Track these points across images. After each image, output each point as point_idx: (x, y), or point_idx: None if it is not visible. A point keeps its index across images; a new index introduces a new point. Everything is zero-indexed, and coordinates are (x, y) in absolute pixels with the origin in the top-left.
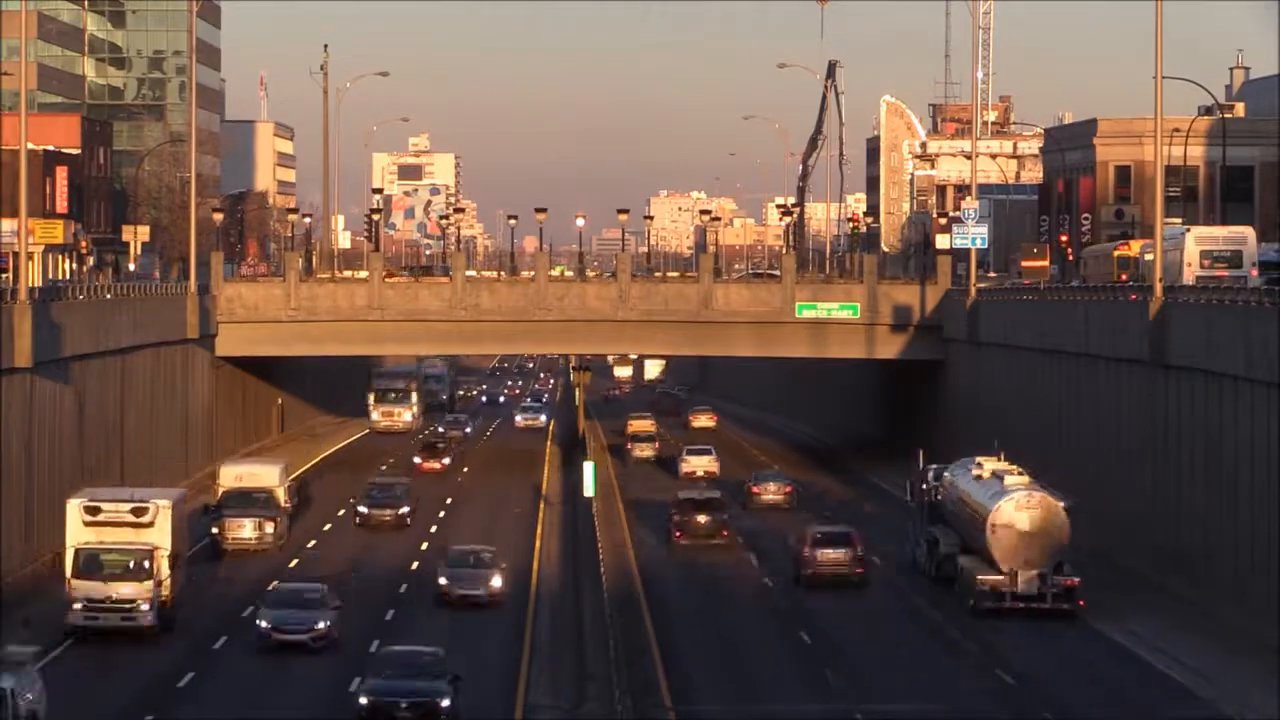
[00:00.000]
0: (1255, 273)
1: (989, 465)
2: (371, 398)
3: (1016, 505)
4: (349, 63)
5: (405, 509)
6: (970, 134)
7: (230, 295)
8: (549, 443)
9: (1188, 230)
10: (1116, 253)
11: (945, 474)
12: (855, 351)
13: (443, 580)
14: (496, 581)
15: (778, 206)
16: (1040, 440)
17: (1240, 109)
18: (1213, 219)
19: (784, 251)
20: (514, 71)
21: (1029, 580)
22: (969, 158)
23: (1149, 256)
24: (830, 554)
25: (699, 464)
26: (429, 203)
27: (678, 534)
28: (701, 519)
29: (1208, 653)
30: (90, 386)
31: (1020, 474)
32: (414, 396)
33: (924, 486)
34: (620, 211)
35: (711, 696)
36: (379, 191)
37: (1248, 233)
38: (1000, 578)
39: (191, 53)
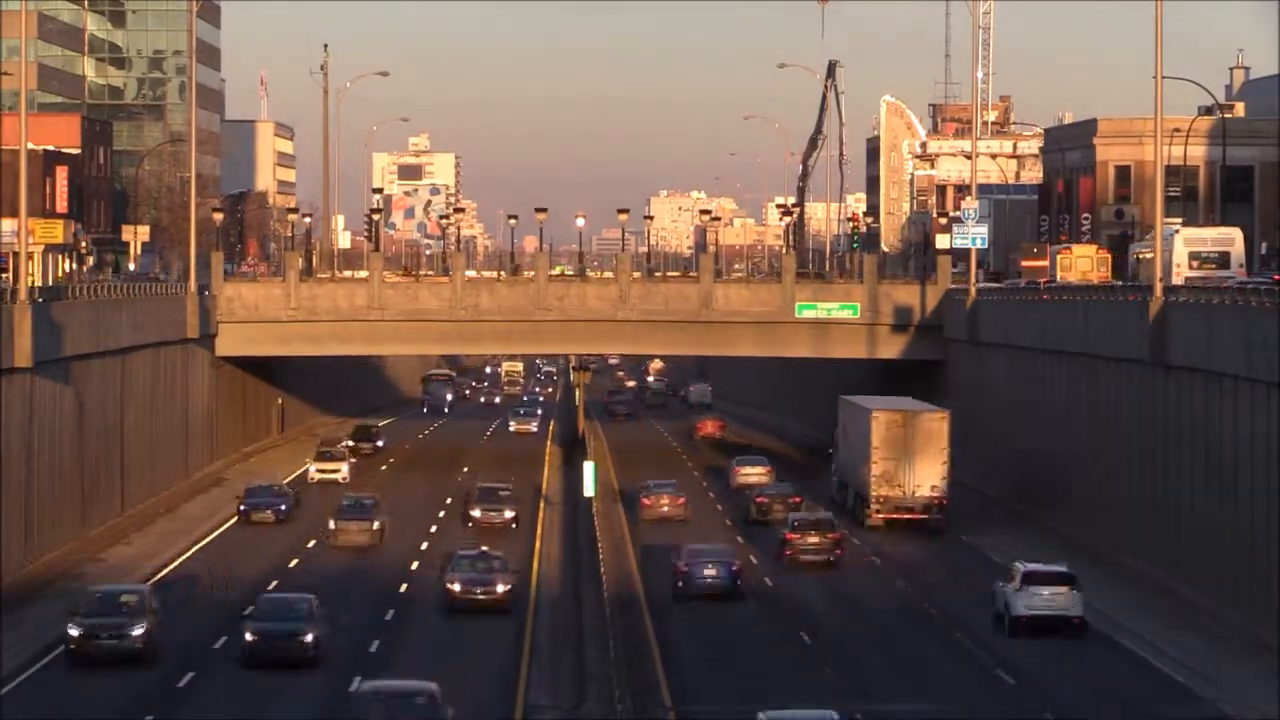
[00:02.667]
0: (1243, 273)
1: None
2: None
3: None
4: (349, 63)
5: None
6: (970, 134)
7: (230, 295)
8: (549, 442)
9: (1177, 232)
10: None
11: None
12: (856, 351)
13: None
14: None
15: (778, 206)
16: (1040, 440)
17: (1240, 109)
18: (1213, 219)
19: (784, 251)
20: (514, 71)
21: None
22: (969, 158)
23: (1148, 256)
24: None
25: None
26: (429, 203)
27: None
28: None
29: (1208, 653)
30: (90, 386)
31: None
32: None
33: None
34: (620, 211)
35: (712, 696)
36: (379, 191)
37: (1236, 234)
38: None
39: (191, 53)
